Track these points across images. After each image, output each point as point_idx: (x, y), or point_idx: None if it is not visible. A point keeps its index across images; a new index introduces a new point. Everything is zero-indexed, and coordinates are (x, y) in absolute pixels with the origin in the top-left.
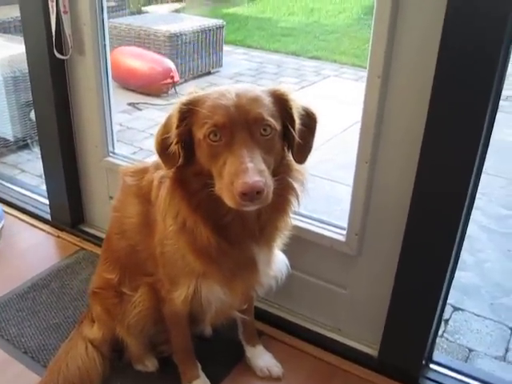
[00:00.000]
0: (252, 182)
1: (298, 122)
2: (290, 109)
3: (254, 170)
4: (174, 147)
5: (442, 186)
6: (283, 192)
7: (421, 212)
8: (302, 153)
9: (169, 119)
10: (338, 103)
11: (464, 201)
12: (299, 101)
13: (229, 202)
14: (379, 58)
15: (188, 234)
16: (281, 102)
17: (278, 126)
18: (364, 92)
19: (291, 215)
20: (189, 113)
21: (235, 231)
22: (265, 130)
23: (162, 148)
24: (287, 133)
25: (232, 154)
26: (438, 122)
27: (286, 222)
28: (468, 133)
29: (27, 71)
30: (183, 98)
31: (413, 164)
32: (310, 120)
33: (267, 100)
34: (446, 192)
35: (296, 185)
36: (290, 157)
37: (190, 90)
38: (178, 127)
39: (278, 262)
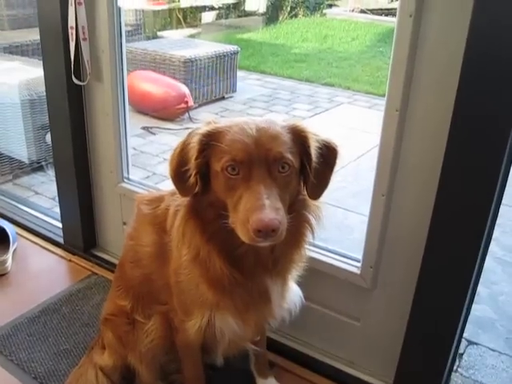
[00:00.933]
0: (268, 220)
1: (314, 159)
2: (308, 146)
3: (270, 208)
4: (192, 178)
5: (459, 221)
6: (298, 226)
7: (438, 246)
8: (317, 190)
9: (186, 148)
10: (351, 130)
11: (482, 235)
12: (320, 135)
13: (243, 236)
14: (397, 92)
15: (201, 264)
16: (300, 139)
17: (296, 163)
18: (381, 125)
19: (306, 247)
20: (208, 144)
21: (248, 263)
22: (283, 167)
23: (178, 177)
24: (304, 169)
25: (249, 189)
26: (456, 156)
27: (300, 255)
28: (487, 167)
29: (44, 94)
30: (203, 129)
31: (430, 197)
32: (329, 155)
33: (287, 137)
34: (463, 226)
35: (311, 219)
36: (305, 191)
37: (208, 120)
38: (197, 158)
39: (292, 294)
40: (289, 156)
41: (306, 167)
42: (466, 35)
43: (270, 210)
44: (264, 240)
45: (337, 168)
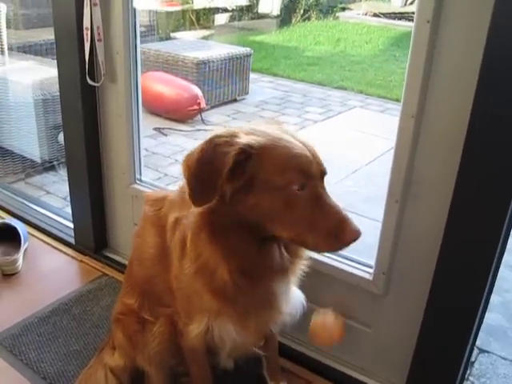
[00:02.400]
0: (359, 230)
1: None
2: None
3: (351, 220)
4: (225, 186)
5: (474, 229)
6: None
7: (452, 253)
8: None
9: (214, 155)
10: (363, 134)
11: (497, 243)
12: None
13: (327, 248)
14: (413, 98)
15: (205, 275)
16: None
17: None
18: (396, 131)
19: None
20: (251, 157)
21: (260, 272)
22: None
23: (199, 183)
24: None
25: (324, 203)
26: (472, 164)
27: (304, 259)
28: (504, 175)
29: (57, 94)
30: (244, 141)
31: (445, 205)
32: None
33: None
34: (478, 235)
35: None
36: None
37: (221, 129)
38: (233, 169)
39: (294, 298)
40: None
41: None
42: (484, 42)
43: (352, 221)
44: (346, 247)
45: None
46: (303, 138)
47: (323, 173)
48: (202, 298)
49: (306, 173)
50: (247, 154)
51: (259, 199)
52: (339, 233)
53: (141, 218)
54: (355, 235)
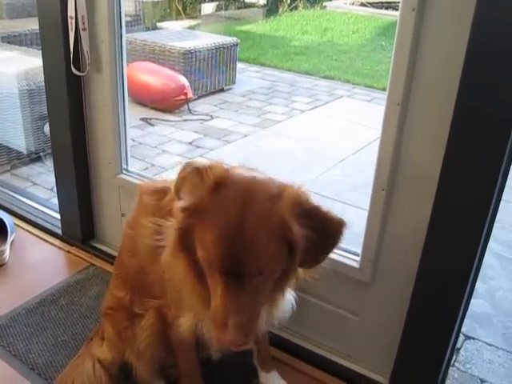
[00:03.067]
0: (228, 341)
1: (301, 247)
2: (295, 240)
3: (233, 328)
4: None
5: (459, 216)
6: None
7: (437, 241)
8: (307, 265)
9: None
10: (350, 124)
11: (482, 230)
12: (319, 212)
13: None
14: (399, 86)
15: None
16: (285, 234)
17: (280, 264)
18: (382, 119)
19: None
20: (196, 215)
21: None
22: (261, 274)
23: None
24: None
25: (220, 298)
26: (457, 151)
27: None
28: (489, 162)
29: (42, 84)
30: (188, 198)
31: (431, 192)
32: (329, 235)
33: (272, 247)
34: (463, 221)
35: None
36: None
37: (188, 169)
38: (185, 222)
39: (283, 303)
40: (269, 267)
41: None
42: (469, 29)
43: (233, 329)
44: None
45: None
46: (249, 221)
47: (243, 273)
48: (186, 295)
49: (213, 266)
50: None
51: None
52: (214, 329)
53: (134, 209)
54: (221, 343)
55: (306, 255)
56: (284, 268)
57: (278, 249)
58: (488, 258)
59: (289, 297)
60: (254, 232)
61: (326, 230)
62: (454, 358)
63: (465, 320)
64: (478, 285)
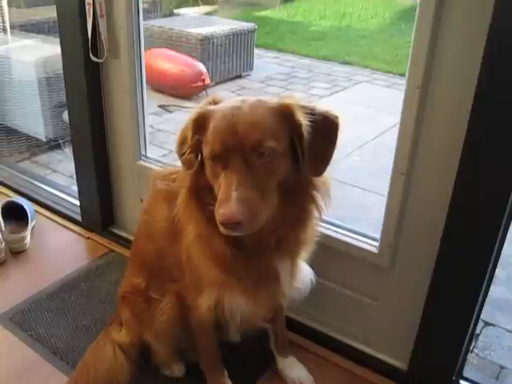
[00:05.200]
0: (230, 214)
1: (307, 136)
2: (297, 125)
3: (235, 201)
4: (188, 156)
5: (480, 200)
6: (303, 205)
7: (457, 225)
8: (317, 166)
9: (185, 127)
10: (369, 109)
11: (503, 215)
12: (316, 108)
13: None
14: (419, 69)
15: (205, 242)
16: (287, 118)
17: (280, 146)
18: (402, 103)
19: (315, 226)
20: (200, 126)
21: (249, 243)
22: (262, 154)
23: (180, 153)
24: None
25: (224, 178)
26: (478, 134)
27: (307, 235)
28: (510, 143)
29: (61, 72)
30: (196, 110)
31: (450, 176)
32: (328, 128)
33: (269, 120)
34: (483, 205)
35: (318, 196)
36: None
37: (208, 98)
38: (192, 138)
39: (302, 274)
40: (268, 143)
41: (298, 146)
42: (490, 13)
43: (235, 203)
44: (232, 232)
45: (340, 140)
46: (247, 109)
47: (244, 148)
48: (206, 267)
49: (216, 150)
50: (197, 125)
51: (206, 168)
52: (217, 210)
53: (149, 195)
54: (223, 218)
55: (312, 151)
56: (292, 169)
57: (277, 123)
58: (508, 245)
59: (308, 270)
60: (253, 108)
61: (326, 122)
62: (473, 344)
63: (484, 306)
64: (498, 271)
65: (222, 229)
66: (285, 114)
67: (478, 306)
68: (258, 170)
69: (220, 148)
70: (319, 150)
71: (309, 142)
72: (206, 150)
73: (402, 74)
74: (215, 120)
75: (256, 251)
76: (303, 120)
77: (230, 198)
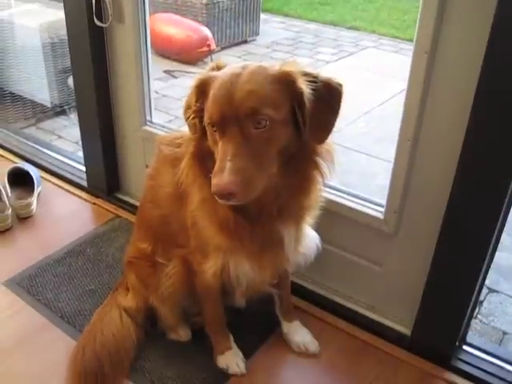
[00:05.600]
0: (223, 184)
1: (308, 104)
2: (298, 91)
3: (229, 171)
4: (191, 121)
5: (486, 167)
6: (305, 172)
7: (463, 192)
8: (318, 134)
9: (189, 93)
10: (376, 75)
11: (509, 182)
12: (318, 75)
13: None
14: (427, 33)
15: (209, 207)
16: (288, 85)
17: (279, 114)
18: (409, 68)
19: (319, 192)
20: (203, 92)
21: (252, 210)
22: (259, 122)
23: (185, 118)
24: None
25: (221, 147)
26: (485, 100)
27: (311, 201)
28: None
29: (65, 37)
30: (198, 76)
31: (457, 142)
32: (330, 96)
33: (268, 88)
34: (490, 173)
35: (321, 163)
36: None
37: (211, 64)
38: (195, 104)
39: (307, 239)
40: (265, 111)
41: (299, 113)
42: None
43: (229, 173)
44: (227, 201)
45: (342, 108)
46: (246, 76)
47: (239, 116)
48: (210, 231)
49: (214, 118)
50: (199, 91)
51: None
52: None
53: (154, 160)
54: (216, 188)
55: (313, 119)
56: (293, 137)
57: (276, 91)
58: None
59: (313, 235)
60: (252, 75)
61: (329, 90)
62: (476, 310)
63: (489, 273)
64: (504, 237)
65: (217, 198)
66: (285, 82)
67: (482, 273)
68: (256, 138)
69: (217, 116)
70: (321, 119)
71: (310, 110)
72: (205, 117)
73: (410, 40)
74: (214, 87)
75: (259, 217)
76: (305, 88)
77: (223, 169)
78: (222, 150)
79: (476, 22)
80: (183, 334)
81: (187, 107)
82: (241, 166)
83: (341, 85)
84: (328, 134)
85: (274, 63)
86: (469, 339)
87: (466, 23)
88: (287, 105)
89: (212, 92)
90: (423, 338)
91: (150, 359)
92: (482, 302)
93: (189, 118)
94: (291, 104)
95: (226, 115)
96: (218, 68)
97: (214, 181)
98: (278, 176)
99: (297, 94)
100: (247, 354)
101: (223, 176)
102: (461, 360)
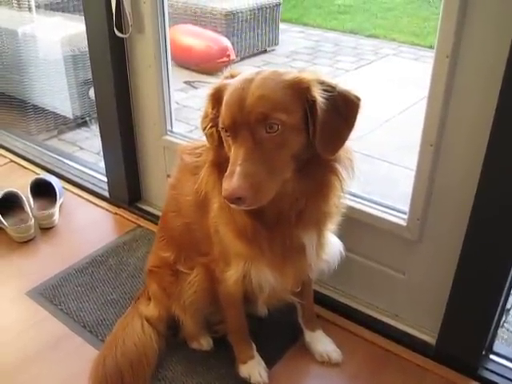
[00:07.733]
0: (231, 189)
1: (321, 114)
2: (313, 100)
3: (238, 176)
4: (209, 130)
5: (511, 170)
6: (324, 177)
7: (488, 197)
8: (327, 143)
9: (206, 102)
10: (396, 83)
11: None
12: (337, 85)
13: None
14: (448, 36)
15: (227, 214)
16: (301, 92)
17: (291, 119)
18: (431, 72)
19: (338, 198)
20: (217, 100)
21: (270, 216)
22: (271, 127)
23: (203, 128)
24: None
25: (233, 152)
26: (510, 102)
27: (330, 206)
28: None
29: (86, 50)
30: (213, 85)
31: (481, 147)
32: (346, 107)
33: (280, 93)
34: None
35: (339, 169)
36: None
37: (226, 73)
38: (211, 112)
39: (330, 246)
40: (276, 115)
41: (310, 121)
42: None
43: (238, 178)
44: (237, 206)
45: (357, 123)
46: (259, 81)
47: (250, 121)
48: (229, 239)
49: (226, 124)
50: (214, 99)
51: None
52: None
53: (176, 170)
54: (225, 193)
55: (324, 129)
56: (306, 143)
57: (289, 96)
58: None
59: (336, 242)
60: (264, 80)
61: (345, 101)
62: (503, 318)
63: None
64: None
65: (227, 203)
66: (299, 88)
67: (509, 280)
68: (267, 143)
69: (229, 121)
70: (333, 129)
71: (322, 119)
72: (219, 123)
73: (430, 47)
74: (228, 94)
75: (277, 223)
76: (318, 96)
77: (233, 173)
78: (234, 155)
79: (498, 24)
80: (205, 343)
81: (204, 116)
82: (251, 170)
83: (359, 98)
84: (339, 146)
85: (290, 69)
86: (495, 348)
87: (487, 26)
88: (300, 111)
89: (225, 98)
90: (449, 346)
91: (172, 368)
92: (508, 310)
93: (206, 127)
94: (304, 110)
95: (237, 120)
96: (232, 76)
97: (224, 185)
98: (294, 181)
99: (309, 101)
100: (269, 364)
101: (232, 180)
102: (487, 369)
